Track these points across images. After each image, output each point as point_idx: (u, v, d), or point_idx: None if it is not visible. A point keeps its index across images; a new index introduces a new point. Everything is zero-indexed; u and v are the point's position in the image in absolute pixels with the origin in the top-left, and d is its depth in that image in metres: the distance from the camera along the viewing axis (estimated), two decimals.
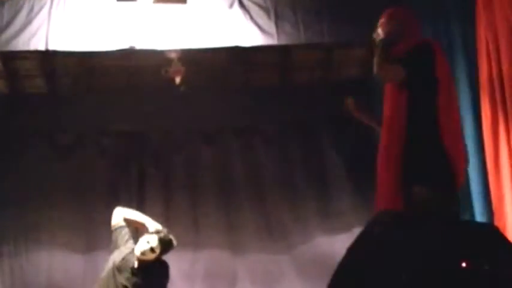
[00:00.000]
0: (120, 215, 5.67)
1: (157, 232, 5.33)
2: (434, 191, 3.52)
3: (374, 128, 4.23)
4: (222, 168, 7.94)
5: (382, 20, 4.09)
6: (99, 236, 7.51)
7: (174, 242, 5.45)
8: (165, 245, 5.32)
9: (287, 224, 7.74)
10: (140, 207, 7.58)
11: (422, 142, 3.71)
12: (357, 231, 6.37)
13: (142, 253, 5.22)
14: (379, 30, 4.02)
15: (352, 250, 2.46)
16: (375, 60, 3.88)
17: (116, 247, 5.53)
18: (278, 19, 6.22)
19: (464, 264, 2.37)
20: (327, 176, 7.90)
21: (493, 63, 4.84)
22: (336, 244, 7.25)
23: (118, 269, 5.30)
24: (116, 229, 5.64)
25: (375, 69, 3.85)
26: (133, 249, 5.35)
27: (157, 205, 7.68)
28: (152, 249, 5.24)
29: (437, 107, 3.76)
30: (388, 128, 3.82)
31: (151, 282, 5.35)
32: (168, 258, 5.73)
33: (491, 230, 2.65)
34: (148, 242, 5.25)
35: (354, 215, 7.51)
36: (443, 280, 2.22)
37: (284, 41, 6.30)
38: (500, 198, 4.65)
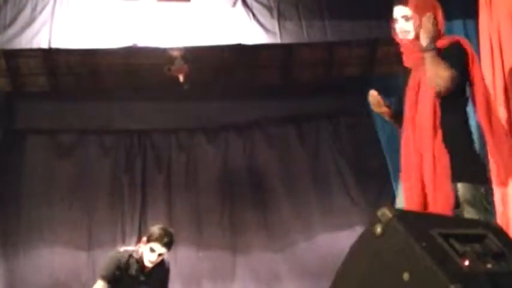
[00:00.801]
0: None
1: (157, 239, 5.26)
2: (477, 187, 3.51)
3: (393, 124, 4.10)
4: (224, 166, 7.95)
5: (420, 23, 3.69)
6: (101, 234, 7.54)
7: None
8: (170, 243, 5.31)
9: (289, 222, 7.75)
10: (143, 206, 7.61)
11: (465, 142, 3.65)
12: (358, 229, 6.44)
13: (152, 262, 5.22)
14: (424, 37, 3.65)
15: (355, 249, 2.46)
16: (433, 71, 3.56)
17: None
18: (281, 18, 6.21)
19: (467, 263, 2.37)
20: (328, 174, 7.90)
21: (495, 59, 4.83)
22: (338, 242, 7.26)
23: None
24: None
25: (435, 81, 3.54)
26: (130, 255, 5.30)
27: (159, 203, 7.70)
28: (160, 255, 5.24)
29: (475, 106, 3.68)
30: (425, 131, 3.64)
31: (153, 281, 5.34)
32: (171, 257, 5.76)
33: (494, 228, 2.66)
34: (155, 250, 5.22)
35: (356, 212, 7.52)
36: (446, 279, 2.22)
37: (287, 39, 6.28)
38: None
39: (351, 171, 7.87)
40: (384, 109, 3.94)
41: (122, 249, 5.47)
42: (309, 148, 8.02)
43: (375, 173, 7.77)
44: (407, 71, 3.84)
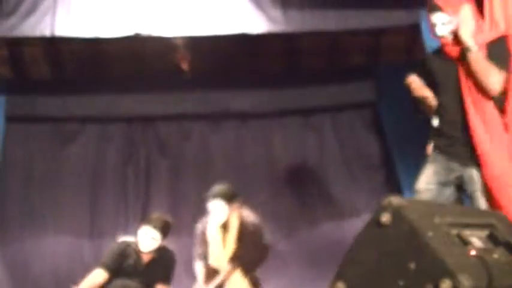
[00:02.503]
0: None
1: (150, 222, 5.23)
2: None
3: (425, 112, 3.99)
4: (228, 155, 7.94)
5: (458, 24, 3.61)
6: (104, 222, 7.53)
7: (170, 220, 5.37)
8: (164, 227, 5.25)
9: (293, 210, 7.74)
10: (146, 194, 7.60)
11: None
12: (363, 217, 6.41)
13: (146, 246, 5.17)
14: (464, 37, 3.56)
15: (360, 237, 2.44)
16: (484, 75, 3.50)
17: None
18: (285, 6, 6.17)
19: (473, 253, 2.35)
20: (333, 163, 7.89)
21: None
22: (342, 231, 7.27)
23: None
24: None
25: (488, 86, 3.49)
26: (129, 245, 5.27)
27: (163, 192, 7.69)
28: (153, 239, 5.16)
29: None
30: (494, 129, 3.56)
31: (154, 272, 5.30)
32: (175, 246, 5.73)
33: (501, 218, 2.64)
34: (147, 233, 5.16)
35: (360, 203, 7.50)
36: (452, 269, 2.20)
37: (291, 28, 6.25)
38: None
39: (356, 160, 7.85)
40: (426, 93, 3.83)
41: (121, 239, 5.43)
42: (314, 137, 8.00)
43: (380, 163, 7.75)
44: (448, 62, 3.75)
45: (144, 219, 5.56)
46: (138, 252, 5.20)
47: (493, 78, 3.48)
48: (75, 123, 7.95)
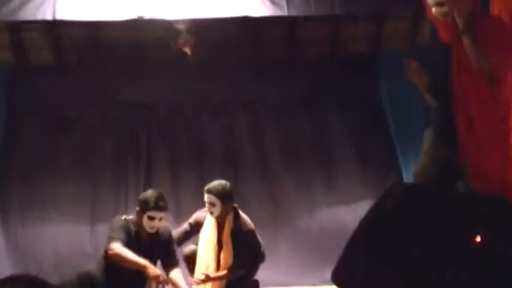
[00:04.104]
0: None
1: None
2: None
3: (426, 97, 3.94)
4: (229, 141, 7.92)
5: (455, 5, 3.54)
6: (105, 208, 7.52)
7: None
8: (166, 204, 5.19)
9: (293, 198, 7.73)
10: (146, 180, 7.59)
11: None
12: (364, 205, 6.40)
13: (155, 228, 5.12)
14: (460, 19, 3.50)
15: (364, 223, 2.42)
16: (476, 56, 3.44)
17: None
18: None
19: (478, 239, 2.33)
20: (333, 150, 7.87)
21: None
22: (341, 218, 7.25)
23: None
24: None
25: (482, 68, 3.44)
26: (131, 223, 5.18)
27: (164, 178, 7.67)
28: (161, 219, 5.11)
29: None
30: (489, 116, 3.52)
31: (155, 249, 5.22)
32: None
33: (506, 205, 2.62)
34: (151, 216, 5.09)
35: (360, 189, 7.49)
36: (456, 254, 2.19)
37: (294, 12, 6.23)
38: None
39: (357, 148, 7.83)
40: (424, 79, 3.78)
41: (123, 217, 5.32)
42: (315, 124, 7.97)
43: (381, 151, 7.73)
44: (444, 45, 3.71)
45: (139, 200, 5.42)
46: (138, 231, 5.15)
47: (485, 59, 3.44)
48: (75, 109, 7.92)
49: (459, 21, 3.48)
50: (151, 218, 5.10)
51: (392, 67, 7.55)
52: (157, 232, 5.21)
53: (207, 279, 5.32)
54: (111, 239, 5.00)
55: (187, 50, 6.82)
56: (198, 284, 5.36)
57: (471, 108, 3.55)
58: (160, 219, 5.13)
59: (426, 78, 3.75)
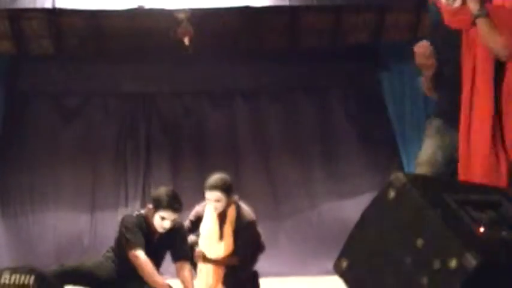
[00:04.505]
0: None
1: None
2: None
3: (427, 85, 3.86)
4: (230, 131, 7.90)
5: None
6: (105, 197, 7.53)
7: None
8: (180, 206, 5.04)
9: (294, 188, 7.72)
10: (147, 170, 7.59)
11: None
12: (365, 195, 6.39)
13: (166, 228, 4.97)
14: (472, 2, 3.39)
15: (367, 213, 2.40)
16: (490, 39, 3.33)
17: None
18: None
19: (481, 230, 2.32)
20: (335, 140, 7.86)
21: None
22: (343, 209, 7.25)
23: None
24: None
25: (496, 50, 3.32)
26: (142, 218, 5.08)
27: (164, 167, 7.67)
28: (173, 220, 4.96)
29: None
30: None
31: (168, 243, 5.08)
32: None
33: (509, 195, 2.60)
34: (164, 217, 4.97)
35: (363, 180, 7.48)
36: (461, 246, 2.17)
37: (295, 2, 6.20)
38: None
39: (359, 138, 7.82)
40: (432, 62, 3.72)
41: (135, 213, 5.22)
42: (316, 115, 7.96)
43: (382, 141, 7.72)
44: (452, 32, 3.65)
45: (153, 196, 5.24)
46: (149, 226, 5.02)
47: (504, 42, 3.39)
48: (75, 98, 7.92)
49: (472, 6, 3.43)
50: (163, 218, 4.87)
51: (394, 58, 7.56)
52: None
53: (204, 258, 5.25)
54: (132, 244, 4.78)
55: (187, 40, 6.80)
56: (199, 258, 5.27)
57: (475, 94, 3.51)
58: (173, 221, 4.89)
59: (434, 62, 3.70)
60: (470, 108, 3.46)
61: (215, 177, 5.32)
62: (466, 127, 3.45)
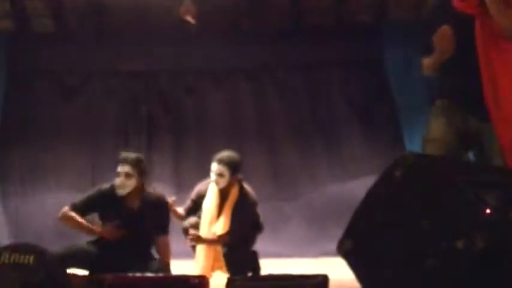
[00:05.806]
0: None
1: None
2: None
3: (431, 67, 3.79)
4: (231, 111, 7.87)
5: None
6: (106, 177, 7.46)
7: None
8: (131, 159, 4.77)
9: (296, 170, 7.70)
10: (148, 149, 7.54)
11: None
12: (368, 177, 6.35)
13: (120, 186, 4.78)
14: None
15: (372, 192, 2.35)
16: (502, 16, 3.32)
17: None
18: None
19: (488, 211, 2.28)
20: (337, 121, 7.82)
21: None
22: (345, 190, 7.23)
23: None
24: None
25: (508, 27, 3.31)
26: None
27: (165, 147, 7.64)
28: (127, 174, 4.80)
29: None
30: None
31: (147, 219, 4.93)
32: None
33: None
34: (117, 172, 4.79)
35: (364, 161, 7.45)
36: (468, 227, 2.14)
37: None
38: None
39: (361, 119, 7.77)
40: (450, 46, 3.65)
41: (109, 184, 5.05)
42: (318, 95, 7.92)
43: (385, 122, 7.67)
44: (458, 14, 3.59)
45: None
46: (123, 197, 4.73)
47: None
48: (77, 77, 7.88)
49: None
50: (117, 175, 4.69)
51: (398, 37, 7.49)
52: (150, 201, 4.79)
53: (198, 239, 5.20)
54: (69, 205, 4.69)
55: (190, 18, 6.74)
56: (192, 240, 5.21)
57: (497, 76, 3.45)
58: (127, 175, 4.70)
59: (451, 46, 3.63)
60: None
61: (225, 152, 5.28)
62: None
